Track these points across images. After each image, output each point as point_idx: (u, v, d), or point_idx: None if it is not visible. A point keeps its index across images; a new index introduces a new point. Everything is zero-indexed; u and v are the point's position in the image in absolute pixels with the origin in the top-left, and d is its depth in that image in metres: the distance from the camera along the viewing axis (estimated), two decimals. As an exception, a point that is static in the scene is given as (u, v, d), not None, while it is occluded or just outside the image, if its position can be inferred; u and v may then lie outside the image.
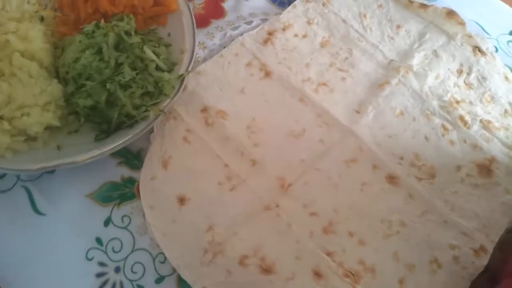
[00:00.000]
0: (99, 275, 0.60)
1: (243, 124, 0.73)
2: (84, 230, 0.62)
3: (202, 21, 0.83)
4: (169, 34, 0.76)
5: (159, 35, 0.76)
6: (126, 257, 0.61)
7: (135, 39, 0.68)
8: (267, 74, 0.78)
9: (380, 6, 0.90)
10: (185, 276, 0.60)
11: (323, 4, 0.88)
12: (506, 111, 0.80)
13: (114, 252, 0.61)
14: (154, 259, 0.61)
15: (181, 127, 0.71)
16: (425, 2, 0.91)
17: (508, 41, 0.92)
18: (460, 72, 0.84)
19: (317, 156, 0.71)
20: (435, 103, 0.79)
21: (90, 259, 0.60)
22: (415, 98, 0.79)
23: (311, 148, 0.72)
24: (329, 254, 0.63)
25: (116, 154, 0.67)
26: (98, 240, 0.62)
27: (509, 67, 0.87)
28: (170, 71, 0.70)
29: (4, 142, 0.60)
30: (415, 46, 0.85)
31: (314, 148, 0.72)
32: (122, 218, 0.64)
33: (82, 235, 0.62)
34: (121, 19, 0.70)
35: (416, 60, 0.83)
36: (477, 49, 0.86)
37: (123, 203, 0.65)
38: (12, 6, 0.69)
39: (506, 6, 0.97)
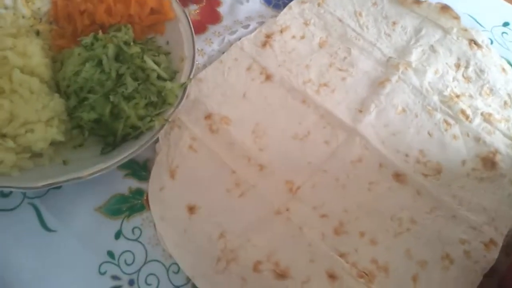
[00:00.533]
0: (113, 289, 0.59)
1: (247, 129, 0.72)
2: (95, 245, 0.61)
3: (199, 27, 0.82)
4: (167, 42, 0.75)
5: (157, 43, 0.75)
6: (139, 269, 0.61)
7: (135, 49, 0.67)
8: (268, 77, 0.78)
9: (374, 3, 0.90)
10: (200, 285, 0.60)
11: (319, 4, 0.88)
12: (505, 102, 0.81)
13: (127, 264, 0.61)
14: (167, 270, 0.61)
15: (186, 136, 0.70)
16: (419, -2, 0.92)
17: (502, 33, 0.93)
18: (458, 66, 0.84)
19: (324, 158, 0.72)
20: (435, 98, 0.79)
21: (103, 273, 0.60)
22: (416, 94, 0.79)
23: (317, 150, 0.72)
24: (342, 255, 0.63)
25: (122, 166, 0.66)
26: (110, 254, 0.61)
27: (505, 58, 0.88)
28: (171, 79, 0.70)
29: (9, 160, 0.59)
30: (412, 42, 0.86)
31: (320, 150, 0.72)
32: (132, 230, 0.63)
33: (93, 249, 0.61)
34: (119, 30, 0.70)
35: (414, 56, 0.83)
36: (473, 42, 0.87)
37: (133, 215, 0.64)
38: (6, 22, 0.68)
39: (499, -2, 0.98)
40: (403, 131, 0.75)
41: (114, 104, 0.63)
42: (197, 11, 0.85)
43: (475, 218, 0.68)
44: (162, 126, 0.65)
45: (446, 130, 0.76)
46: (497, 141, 0.76)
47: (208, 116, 0.72)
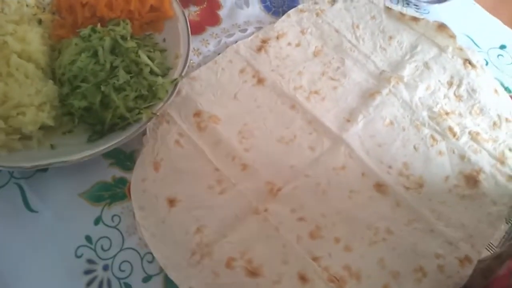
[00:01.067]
0: (87, 272, 0.61)
1: (235, 129, 0.74)
2: (74, 228, 0.63)
3: (197, 28, 0.84)
4: (164, 40, 0.77)
5: (155, 40, 0.77)
6: (115, 256, 0.62)
7: (131, 44, 0.69)
8: (260, 81, 0.79)
9: (373, 17, 0.92)
10: (172, 276, 0.61)
11: (317, 14, 0.90)
12: (494, 123, 0.81)
13: (103, 250, 0.62)
14: (142, 259, 0.62)
15: (173, 131, 0.72)
16: (417, 15, 0.93)
17: (498, 55, 0.94)
18: (450, 84, 0.85)
19: (307, 163, 0.73)
20: (424, 113, 0.80)
21: (79, 256, 0.61)
22: (405, 109, 0.80)
23: (301, 154, 0.74)
24: (315, 258, 0.64)
25: (108, 155, 0.68)
26: (88, 238, 0.63)
27: (498, 80, 0.89)
28: (164, 75, 0.72)
29: (-1, 140, 0.61)
30: (407, 57, 0.87)
31: (304, 155, 0.74)
32: (112, 217, 0.65)
33: (72, 233, 0.63)
34: (118, 24, 0.72)
35: (407, 71, 0.84)
36: (467, 61, 0.88)
37: (114, 203, 0.66)
38: (11, 9, 0.70)
39: (497, 21, 0.99)
40: (388, 143, 0.76)
41: (104, 94, 0.65)
42: (197, 12, 0.87)
43: (453, 233, 0.69)
44: (149, 119, 0.67)
45: (432, 145, 0.77)
46: (482, 160, 0.77)
47: (197, 114, 0.74)
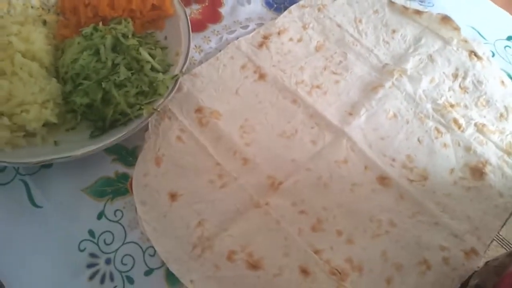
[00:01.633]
0: (90, 265, 0.62)
1: (236, 124, 0.74)
2: (78, 223, 0.64)
3: (199, 26, 0.85)
4: (165, 38, 0.78)
5: (156, 38, 0.78)
6: (117, 250, 0.63)
7: (132, 42, 0.70)
8: (261, 76, 0.80)
9: (376, 11, 0.92)
10: (174, 269, 0.61)
11: (319, 9, 0.90)
12: (501, 114, 0.80)
13: (106, 244, 0.63)
14: (144, 252, 0.63)
15: (175, 127, 0.73)
16: (420, 8, 0.92)
17: (505, 46, 0.92)
18: (455, 76, 0.84)
19: (308, 156, 0.73)
20: (429, 106, 0.79)
21: (82, 250, 0.62)
22: (408, 101, 0.80)
23: (303, 148, 0.73)
24: (316, 251, 0.64)
25: (111, 151, 0.69)
26: (91, 233, 0.64)
27: (506, 71, 0.87)
28: (165, 72, 0.72)
29: (4, 137, 0.63)
30: (410, 50, 0.86)
31: (306, 149, 0.73)
32: (114, 212, 0.65)
33: (75, 227, 0.64)
34: (119, 23, 0.73)
35: (411, 64, 0.84)
36: (473, 53, 0.87)
37: (116, 198, 0.67)
38: (16, 11, 0.72)
39: (504, 12, 0.97)
40: (392, 136, 0.76)
41: (106, 91, 0.66)
42: (200, 10, 0.88)
43: (458, 226, 0.68)
44: (150, 114, 0.68)
45: (436, 138, 0.76)
46: (489, 152, 0.75)
47: (198, 110, 0.75)
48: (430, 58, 0.85)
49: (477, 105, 0.81)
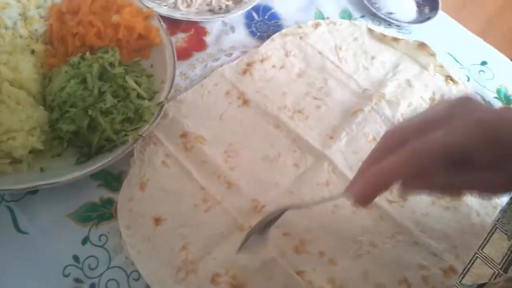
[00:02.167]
0: (74, 290, 0.62)
1: (220, 149, 0.76)
2: (62, 248, 0.64)
3: (184, 54, 0.88)
4: (151, 66, 0.81)
5: (142, 66, 0.81)
6: (101, 274, 0.63)
7: (118, 70, 0.72)
8: (245, 102, 0.82)
9: (355, 39, 0.95)
10: (158, 293, 0.62)
11: (301, 38, 0.93)
12: (477, 136, 0.83)
13: (90, 269, 0.63)
14: (128, 277, 0.64)
15: (160, 152, 0.74)
16: (399, 36, 0.96)
17: (480, 71, 0.96)
18: (432, 100, 0.87)
19: (291, 180, 0.74)
20: (407, 129, 0.82)
21: (67, 276, 0.62)
22: (387, 125, 0.82)
23: (286, 172, 0.75)
24: (299, 273, 0.65)
25: (96, 176, 0.70)
26: (75, 258, 0.64)
27: (480, 95, 0.91)
28: (151, 99, 0.74)
29: (-10, 164, 0.64)
30: (389, 75, 0.90)
31: (289, 172, 0.75)
32: (99, 237, 0.66)
33: (60, 252, 0.64)
34: (106, 52, 0.75)
35: (389, 89, 0.87)
36: (449, 78, 0.90)
37: (101, 222, 0.67)
38: (5, 41, 0.74)
39: (478, 38, 1.02)
40: (371, 158, 0.78)
41: (92, 118, 0.68)
42: (185, 39, 0.90)
43: (437, 245, 0.70)
44: (135, 140, 0.69)
45: (415, 159, 0.78)
46: (466, 172, 0.78)
47: (183, 135, 0.76)
48: (408, 82, 0.89)
49: (454, 127, 0.84)
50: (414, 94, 0.87)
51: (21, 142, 0.65)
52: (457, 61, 0.97)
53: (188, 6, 0.93)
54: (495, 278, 0.69)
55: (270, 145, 0.78)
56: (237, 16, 0.95)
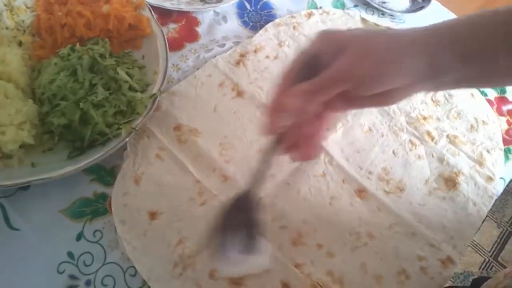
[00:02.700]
0: (70, 287, 0.61)
1: (215, 141, 0.75)
2: (56, 245, 0.63)
3: (176, 44, 0.86)
4: (143, 57, 0.79)
5: (133, 57, 0.79)
6: (97, 270, 0.62)
7: (109, 61, 0.71)
8: (239, 93, 0.81)
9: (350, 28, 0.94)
10: (155, 288, 0.61)
11: (294, 27, 0.92)
12: (472, 126, 0.83)
13: (85, 265, 0.62)
14: (124, 272, 0.62)
15: (154, 145, 0.73)
16: (392, 25, 0.95)
17: (473, 61, 0.95)
18: (427, 90, 0.87)
19: (287, 171, 0.73)
20: (402, 119, 0.82)
21: (62, 272, 0.61)
22: (383, 115, 0.82)
23: (282, 163, 0.74)
24: (297, 265, 0.65)
25: (89, 171, 0.69)
26: (70, 254, 0.63)
27: (474, 84, 0.90)
28: (143, 91, 0.73)
29: (-21, 160, 0.62)
30: (384, 66, 0.89)
31: (284, 164, 0.74)
32: (94, 232, 0.65)
33: (54, 249, 0.63)
34: (97, 43, 0.74)
35: (384, 79, 0.86)
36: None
37: (95, 218, 0.66)
38: (-10, 33, 0.72)
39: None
40: (367, 149, 0.78)
41: (83, 111, 0.66)
42: (176, 29, 0.89)
43: (434, 235, 0.70)
44: (128, 134, 0.68)
45: (411, 150, 0.79)
46: (461, 162, 0.78)
47: (177, 127, 0.75)
48: (403, 72, 0.88)
49: (449, 117, 0.84)
50: (408, 84, 0.86)
51: (10, 136, 0.63)
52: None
53: (179, -5, 0.92)
54: (485, 266, 0.70)
55: (265, 137, 0.77)
56: (229, 5, 0.94)
